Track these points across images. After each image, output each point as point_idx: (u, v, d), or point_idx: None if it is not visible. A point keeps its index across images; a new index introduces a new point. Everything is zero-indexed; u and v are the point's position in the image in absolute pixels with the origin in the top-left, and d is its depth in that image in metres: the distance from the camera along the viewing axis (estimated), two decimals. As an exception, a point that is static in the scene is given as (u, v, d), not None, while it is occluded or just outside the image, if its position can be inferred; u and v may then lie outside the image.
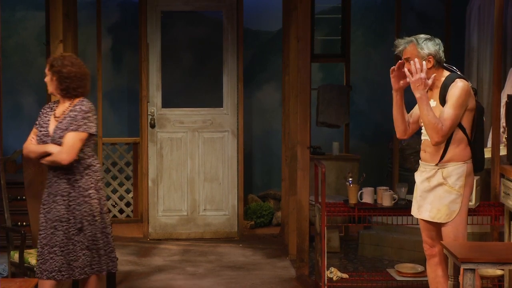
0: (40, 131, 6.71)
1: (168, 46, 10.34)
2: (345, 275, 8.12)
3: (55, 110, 6.76)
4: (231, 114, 10.36)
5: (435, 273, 6.70)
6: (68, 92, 6.71)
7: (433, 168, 6.45)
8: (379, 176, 9.49)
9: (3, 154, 9.63)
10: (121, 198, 10.58)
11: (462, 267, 5.55)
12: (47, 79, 6.74)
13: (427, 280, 6.84)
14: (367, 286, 8.02)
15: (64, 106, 6.73)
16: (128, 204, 10.58)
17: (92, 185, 6.64)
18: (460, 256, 5.58)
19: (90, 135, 6.60)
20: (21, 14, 10.65)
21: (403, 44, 6.51)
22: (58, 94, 6.74)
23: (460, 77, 6.42)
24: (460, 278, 5.76)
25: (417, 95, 6.31)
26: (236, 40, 10.28)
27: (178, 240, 10.21)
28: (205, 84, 10.55)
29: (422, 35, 6.48)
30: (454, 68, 6.53)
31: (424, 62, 6.32)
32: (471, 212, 6.92)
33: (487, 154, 7.70)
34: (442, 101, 6.36)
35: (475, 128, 6.47)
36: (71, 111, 6.65)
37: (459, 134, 6.39)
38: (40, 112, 6.83)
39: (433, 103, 6.42)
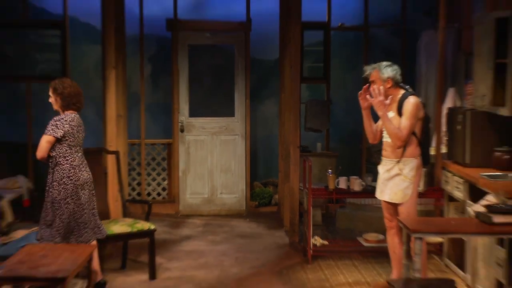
0: None
1: (193, 71, 10.38)
2: (325, 242, 8.15)
3: None
4: (241, 122, 10.40)
5: (393, 240, 6.76)
6: (69, 107, 6.77)
7: (392, 162, 6.51)
8: (351, 168, 9.50)
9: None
10: (158, 184, 10.59)
11: (413, 236, 5.59)
12: (51, 100, 6.78)
13: (387, 246, 6.88)
14: (342, 250, 8.06)
15: None
16: (164, 189, 10.61)
17: (57, 178, 6.61)
18: (412, 228, 5.62)
19: (57, 139, 6.58)
20: (84, 47, 10.68)
21: (369, 70, 6.60)
22: (61, 110, 6.79)
23: (412, 94, 6.48)
24: (411, 244, 5.81)
25: (379, 113, 6.40)
26: (245, 66, 10.33)
27: (201, 216, 10.25)
28: (221, 99, 10.57)
29: (384, 63, 6.54)
30: (408, 87, 6.59)
31: (381, 87, 6.38)
32: (420, 195, 6.96)
33: (432, 152, 7.76)
34: (399, 112, 6.43)
35: (424, 133, 6.54)
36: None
37: (411, 137, 6.46)
38: None
39: (392, 114, 6.48)
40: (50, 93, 6.77)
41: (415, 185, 6.52)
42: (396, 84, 6.52)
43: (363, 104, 6.53)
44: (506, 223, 5.46)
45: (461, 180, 7.06)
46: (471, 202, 6.73)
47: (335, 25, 10.35)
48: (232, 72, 10.40)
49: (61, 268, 5.78)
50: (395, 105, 6.49)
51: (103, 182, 7.72)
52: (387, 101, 6.35)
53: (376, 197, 6.79)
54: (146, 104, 10.52)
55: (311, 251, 7.79)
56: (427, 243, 7.15)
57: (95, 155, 7.64)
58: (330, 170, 7.95)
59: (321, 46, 10.46)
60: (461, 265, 7.16)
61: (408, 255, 5.87)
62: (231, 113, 10.44)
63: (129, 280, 7.24)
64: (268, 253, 8.29)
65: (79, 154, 6.72)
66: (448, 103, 8.60)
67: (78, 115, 6.77)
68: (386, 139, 6.56)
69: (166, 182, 10.58)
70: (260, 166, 11.15)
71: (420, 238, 5.58)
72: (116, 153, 7.91)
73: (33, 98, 10.01)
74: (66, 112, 6.75)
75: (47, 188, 6.66)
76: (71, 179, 6.62)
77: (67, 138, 6.61)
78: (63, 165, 6.61)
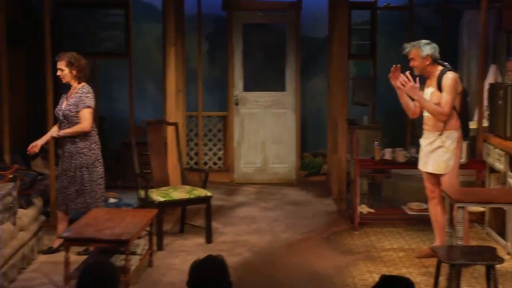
0: (56, 109, 6.85)
1: (247, 48, 10.33)
2: (371, 210, 8.09)
3: (66, 94, 6.84)
4: (292, 96, 10.33)
5: (435, 209, 6.66)
6: (82, 78, 6.79)
7: (434, 135, 6.41)
8: (396, 140, 9.38)
9: (134, 122, 9.75)
10: (214, 154, 10.60)
11: (456, 205, 5.51)
12: (64, 73, 6.73)
13: (429, 215, 6.79)
14: (387, 218, 7.99)
15: (72, 90, 6.81)
16: (219, 159, 10.62)
17: (87, 145, 6.79)
18: (454, 198, 5.54)
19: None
20: (146, 25, 10.69)
21: (408, 47, 6.53)
22: (75, 81, 6.79)
23: (450, 70, 6.38)
24: (454, 213, 5.72)
25: (415, 97, 6.36)
26: (295, 44, 10.24)
27: (254, 184, 10.23)
28: (273, 75, 10.51)
29: (423, 41, 6.50)
30: (447, 63, 6.49)
31: (408, 75, 6.34)
32: (462, 166, 6.83)
33: (474, 126, 7.62)
34: (438, 88, 6.33)
35: (462, 106, 6.43)
36: (77, 92, 6.74)
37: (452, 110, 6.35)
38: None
39: (432, 89, 6.40)
40: (63, 67, 6.74)
41: (457, 157, 6.42)
42: (435, 61, 6.43)
43: (394, 84, 6.45)
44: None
45: (502, 153, 6.92)
46: (512, 174, 6.60)
47: (381, 4, 10.22)
48: (284, 49, 10.32)
49: (125, 231, 5.82)
50: (434, 81, 6.41)
51: (163, 151, 7.73)
52: (417, 84, 6.29)
53: (419, 169, 6.69)
54: (203, 79, 10.52)
55: (358, 219, 7.73)
56: (469, 212, 7.02)
57: (156, 126, 7.65)
58: (376, 142, 7.85)
59: (367, 25, 10.33)
60: (502, 234, 7.04)
61: (451, 223, 5.78)
62: (282, 88, 10.38)
63: (186, 244, 7.26)
64: (317, 219, 8.24)
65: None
66: (490, 79, 8.47)
67: None
68: (427, 113, 6.46)
69: (221, 152, 10.59)
70: (310, 138, 11.08)
71: (463, 208, 5.49)
72: (175, 124, 7.90)
73: (99, 73, 10.06)
74: (82, 84, 6.80)
75: (71, 155, 6.74)
76: (97, 145, 6.85)
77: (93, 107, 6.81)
78: (91, 131, 6.76)
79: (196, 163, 10.50)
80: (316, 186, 10.01)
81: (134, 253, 6.20)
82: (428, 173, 6.58)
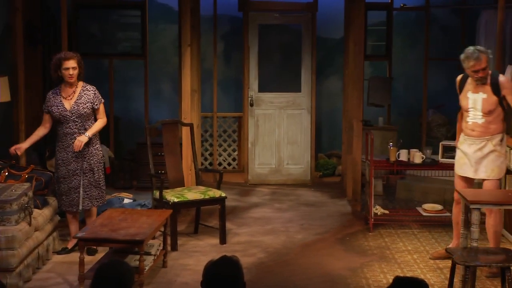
0: (57, 110, 6.72)
1: (263, 48, 10.31)
2: (386, 211, 8.06)
3: (60, 95, 6.75)
4: (307, 97, 10.31)
5: (459, 212, 6.50)
6: (81, 77, 6.80)
7: (483, 140, 6.23)
8: (411, 141, 9.36)
9: (149, 123, 9.78)
10: (229, 155, 10.60)
11: (471, 206, 5.48)
12: (76, 72, 6.67)
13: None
14: (402, 219, 7.94)
15: (71, 90, 6.75)
16: (234, 159, 10.62)
17: (97, 144, 6.88)
18: (469, 199, 5.52)
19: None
20: (162, 26, 10.71)
21: (476, 57, 6.17)
22: (77, 81, 6.77)
23: (495, 72, 6.28)
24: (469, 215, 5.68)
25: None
26: (311, 44, 10.21)
27: (269, 185, 10.21)
28: (288, 76, 10.48)
29: (481, 47, 6.25)
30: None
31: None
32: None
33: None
34: (494, 92, 6.18)
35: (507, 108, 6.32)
36: (83, 91, 6.74)
37: (500, 112, 6.23)
38: (47, 100, 6.80)
39: (484, 95, 6.21)
40: (76, 65, 6.70)
41: (506, 159, 6.34)
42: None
43: None
44: None
45: (518, 154, 6.86)
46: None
47: (397, 5, 10.20)
48: (299, 50, 10.30)
49: (139, 232, 5.84)
50: (487, 86, 6.23)
51: (178, 152, 7.74)
52: None
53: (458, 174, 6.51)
54: (218, 80, 10.52)
55: (372, 220, 7.70)
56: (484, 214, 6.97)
57: (171, 127, 7.66)
58: (391, 143, 7.83)
59: (383, 25, 10.31)
60: (517, 236, 6.99)
61: (466, 225, 5.75)
62: (297, 89, 10.35)
63: (201, 244, 7.27)
64: (331, 221, 8.22)
65: None
66: (507, 79, 8.41)
67: None
68: (475, 120, 6.27)
69: (236, 153, 10.58)
70: (325, 139, 11.06)
71: (478, 209, 5.46)
72: (190, 125, 7.91)
73: (115, 73, 10.10)
74: (82, 82, 6.85)
75: (83, 154, 6.77)
76: (100, 143, 6.96)
77: None
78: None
79: (210, 164, 10.51)
80: (331, 187, 9.98)
81: (148, 254, 6.21)
82: (463, 177, 6.42)
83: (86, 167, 6.76)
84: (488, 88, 6.22)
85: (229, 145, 10.59)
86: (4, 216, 5.91)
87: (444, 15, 10.70)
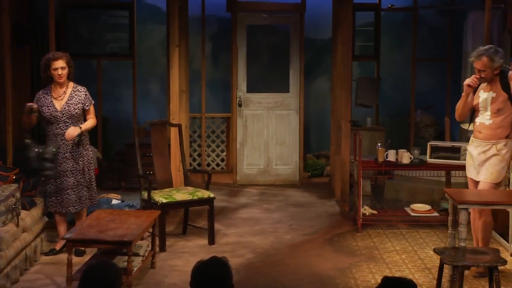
0: (47, 110, 6.68)
1: (251, 49, 10.30)
2: (374, 212, 8.08)
3: (51, 95, 6.72)
4: (295, 97, 10.31)
5: (473, 215, 6.43)
6: (71, 77, 6.77)
7: (489, 144, 6.19)
8: (399, 142, 9.37)
9: (137, 123, 9.75)
10: (217, 155, 10.58)
11: (458, 206, 5.49)
12: (65, 71, 6.64)
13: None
14: (390, 219, 7.96)
15: (61, 90, 6.72)
16: (222, 160, 10.60)
17: (87, 144, 6.87)
18: (457, 199, 5.53)
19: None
20: (150, 27, 10.69)
21: (475, 57, 6.14)
22: (67, 81, 6.74)
23: (505, 68, 6.22)
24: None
25: None
26: (299, 45, 10.22)
27: (257, 186, 10.21)
28: (277, 76, 10.48)
29: (492, 48, 6.13)
30: None
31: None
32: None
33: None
34: (503, 89, 6.12)
35: None
36: (74, 92, 6.73)
37: (509, 114, 6.17)
38: (37, 99, 6.75)
39: (492, 94, 6.16)
40: (65, 65, 6.67)
41: (507, 165, 6.30)
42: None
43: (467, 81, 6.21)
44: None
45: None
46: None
47: (385, 6, 10.21)
48: (287, 51, 10.30)
49: (127, 232, 5.82)
50: (496, 83, 6.17)
51: (167, 152, 7.73)
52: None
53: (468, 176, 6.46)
54: (207, 80, 10.51)
55: (361, 220, 7.71)
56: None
57: (159, 127, 7.64)
58: (379, 144, 7.85)
59: (371, 26, 10.33)
60: (505, 235, 7.02)
61: (454, 225, 5.76)
62: (286, 89, 10.35)
63: (189, 245, 7.25)
64: (320, 221, 8.22)
65: None
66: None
67: None
68: (483, 121, 6.23)
69: (224, 154, 10.57)
70: (313, 139, 11.07)
71: (466, 209, 5.47)
72: (178, 126, 7.89)
73: (103, 74, 10.07)
74: (72, 83, 6.83)
75: (73, 155, 6.74)
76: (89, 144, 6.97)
77: None
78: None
79: (199, 165, 10.49)
80: (319, 188, 9.99)
81: (136, 255, 6.19)
82: (471, 180, 6.37)
83: (77, 168, 6.73)
84: (498, 86, 6.15)
85: (218, 146, 10.57)
86: (-8, 217, 5.87)
87: (431, 16, 10.72)
